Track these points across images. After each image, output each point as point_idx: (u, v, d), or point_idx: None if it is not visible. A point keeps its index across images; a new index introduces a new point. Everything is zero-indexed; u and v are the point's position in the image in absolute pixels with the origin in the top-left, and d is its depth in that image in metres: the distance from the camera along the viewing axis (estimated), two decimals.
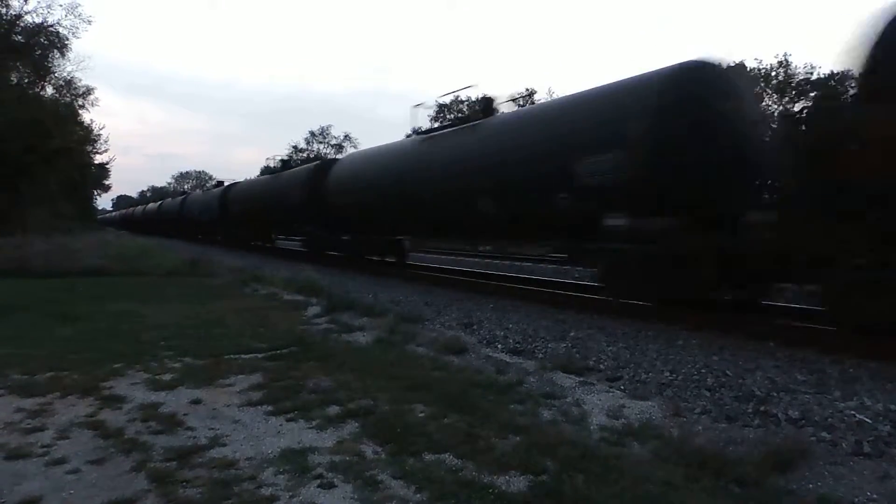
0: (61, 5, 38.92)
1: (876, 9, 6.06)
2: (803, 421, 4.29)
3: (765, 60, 31.35)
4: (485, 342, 7.26)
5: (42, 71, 30.18)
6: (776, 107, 28.84)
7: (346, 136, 66.58)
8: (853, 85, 6.64)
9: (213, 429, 4.15)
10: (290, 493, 3.16)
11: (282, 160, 25.23)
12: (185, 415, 4.43)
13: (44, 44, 29.08)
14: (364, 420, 4.25)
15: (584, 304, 9.52)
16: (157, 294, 11.57)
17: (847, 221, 5.99)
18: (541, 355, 6.51)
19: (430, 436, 3.93)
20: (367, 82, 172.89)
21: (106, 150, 40.51)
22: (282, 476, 3.37)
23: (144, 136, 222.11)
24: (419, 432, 3.99)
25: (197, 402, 4.75)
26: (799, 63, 32.16)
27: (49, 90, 32.43)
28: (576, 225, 8.98)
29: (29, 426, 4.17)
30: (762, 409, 4.55)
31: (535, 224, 10.23)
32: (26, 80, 29.96)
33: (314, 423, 4.23)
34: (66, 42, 29.06)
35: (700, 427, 4.29)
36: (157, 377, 5.43)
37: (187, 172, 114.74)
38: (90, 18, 31.81)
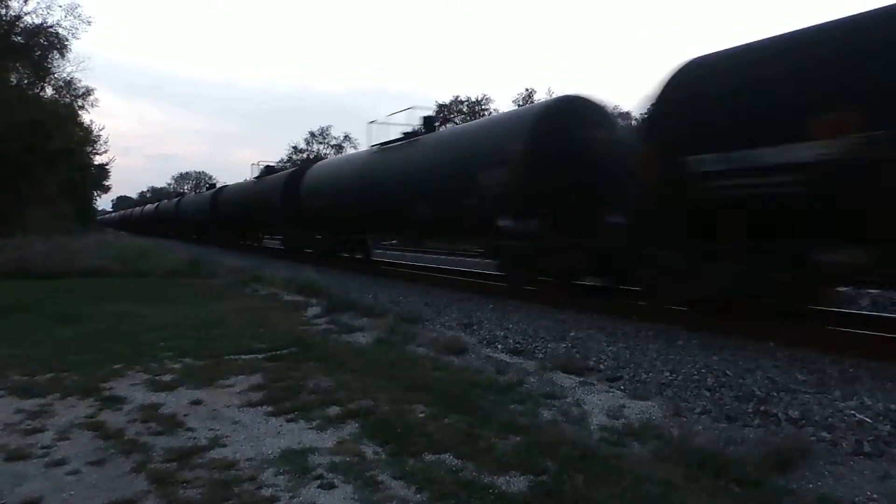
0: (61, 6, 38.91)
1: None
2: (803, 421, 4.29)
3: None
4: (485, 342, 7.26)
5: (42, 72, 30.18)
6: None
7: (346, 137, 66.64)
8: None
9: (213, 429, 4.15)
10: (291, 494, 3.16)
11: (266, 166, 26.88)
12: (185, 415, 4.43)
13: (43, 44, 29.10)
14: (364, 420, 4.25)
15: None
16: (157, 295, 11.57)
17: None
18: (541, 355, 6.51)
19: (431, 436, 3.93)
20: (367, 82, 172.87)
21: (106, 151, 40.70)
22: (282, 477, 3.37)
23: (144, 137, 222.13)
24: (419, 432, 3.99)
25: (197, 402, 4.75)
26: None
27: (49, 91, 32.51)
28: (482, 226, 10.99)
29: (29, 427, 4.17)
30: (762, 408, 4.55)
31: (455, 225, 12.34)
32: (26, 81, 29.96)
33: (314, 423, 4.23)
34: (66, 43, 29.14)
35: (700, 427, 4.29)
36: (157, 378, 5.43)
37: (187, 173, 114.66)
38: (90, 19, 32.12)
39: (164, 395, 4.94)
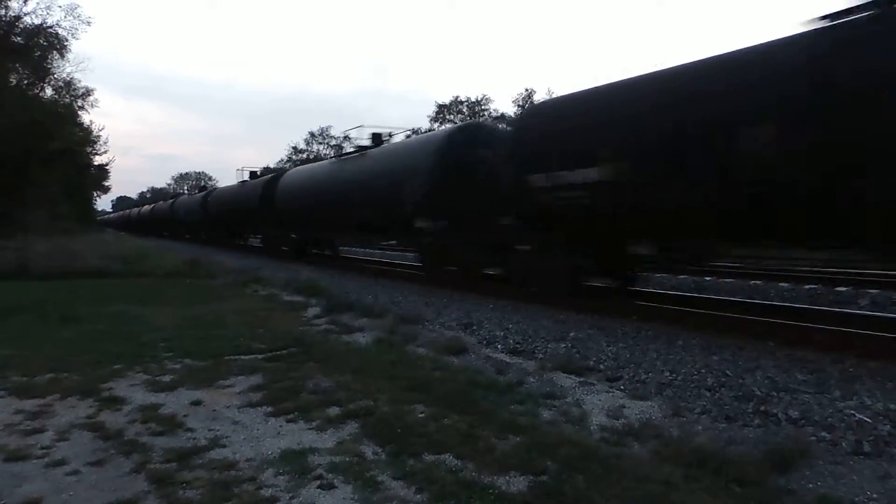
0: (60, 6, 39.02)
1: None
2: (803, 421, 4.29)
3: None
4: (485, 342, 7.26)
5: (41, 72, 30.19)
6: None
7: (346, 137, 66.59)
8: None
9: (212, 430, 4.15)
10: (291, 495, 3.16)
11: (251, 172, 29.02)
12: (184, 416, 4.43)
13: (43, 45, 29.07)
14: (364, 421, 4.25)
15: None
16: (157, 295, 11.57)
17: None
18: (541, 355, 6.51)
19: (431, 436, 3.93)
20: (367, 82, 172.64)
21: (105, 152, 40.68)
22: (282, 477, 3.37)
23: (144, 137, 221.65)
24: (419, 433, 3.99)
25: (197, 403, 4.75)
26: None
27: (48, 91, 32.52)
28: (407, 226, 13.13)
29: (29, 428, 4.17)
30: (762, 408, 4.56)
31: (390, 226, 14.50)
32: (26, 82, 29.97)
33: (314, 423, 4.23)
34: (66, 43, 29.11)
35: (700, 427, 4.29)
36: (157, 378, 5.43)
37: (187, 173, 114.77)
38: (89, 19, 31.90)
39: (163, 396, 4.94)
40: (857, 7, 6.04)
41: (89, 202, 49.91)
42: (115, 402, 4.73)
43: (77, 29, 28.83)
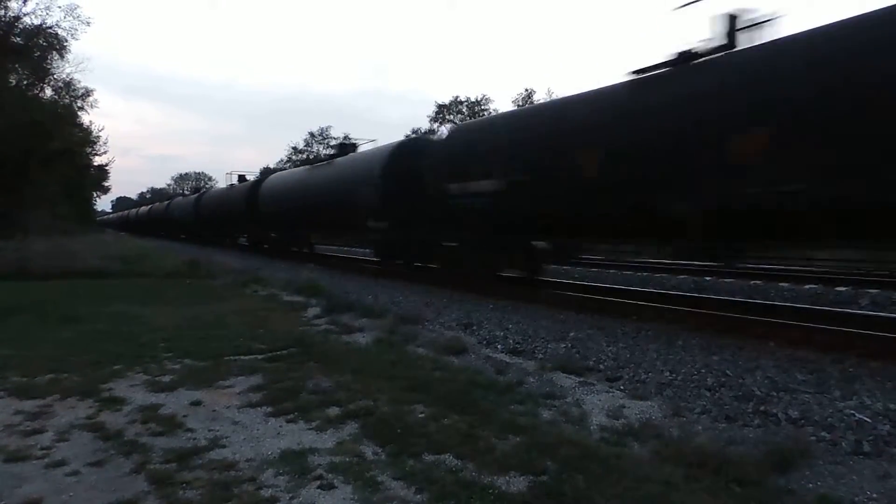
0: (60, 7, 39.15)
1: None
2: (803, 420, 4.29)
3: None
4: (485, 342, 7.26)
5: (41, 72, 30.17)
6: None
7: (346, 137, 66.57)
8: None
9: (212, 430, 4.15)
10: (291, 495, 3.16)
11: (239, 176, 30.72)
12: (184, 416, 4.43)
13: (43, 45, 29.06)
14: (364, 421, 4.25)
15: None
16: (157, 295, 11.57)
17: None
18: (541, 355, 6.51)
19: (431, 436, 3.93)
20: (367, 82, 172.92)
21: (105, 152, 40.76)
22: (282, 477, 3.37)
23: (144, 138, 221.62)
24: (419, 433, 3.99)
25: (197, 403, 4.75)
26: None
27: (48, 92, 32.50)
28: (361, 226, 15.30)
29: (29, 428, 4.17)
30: (762, 408, 4.56)
31: (349, 225, 16.78)
32: (25, 82, 29.94)
33: (314, 424, 4.23)
34: (65, 43, 29.11)
35: (700, 427, 4.29)
36: (156, 379, 5.43)
37: (187, 174, 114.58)
38: (89, 20, 32.00)
39: (163, 396, 4.93)
40: (661, 63, 8.12)
41: (89, 202, 49.94)
42: (114, 403, 4.73)
43: (76, 29, 28.92)
